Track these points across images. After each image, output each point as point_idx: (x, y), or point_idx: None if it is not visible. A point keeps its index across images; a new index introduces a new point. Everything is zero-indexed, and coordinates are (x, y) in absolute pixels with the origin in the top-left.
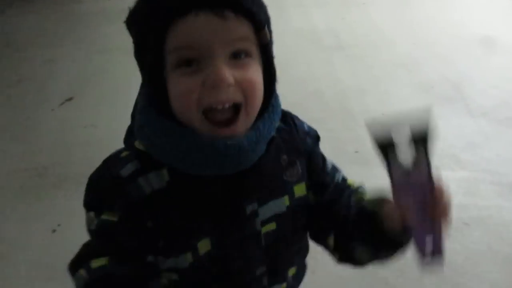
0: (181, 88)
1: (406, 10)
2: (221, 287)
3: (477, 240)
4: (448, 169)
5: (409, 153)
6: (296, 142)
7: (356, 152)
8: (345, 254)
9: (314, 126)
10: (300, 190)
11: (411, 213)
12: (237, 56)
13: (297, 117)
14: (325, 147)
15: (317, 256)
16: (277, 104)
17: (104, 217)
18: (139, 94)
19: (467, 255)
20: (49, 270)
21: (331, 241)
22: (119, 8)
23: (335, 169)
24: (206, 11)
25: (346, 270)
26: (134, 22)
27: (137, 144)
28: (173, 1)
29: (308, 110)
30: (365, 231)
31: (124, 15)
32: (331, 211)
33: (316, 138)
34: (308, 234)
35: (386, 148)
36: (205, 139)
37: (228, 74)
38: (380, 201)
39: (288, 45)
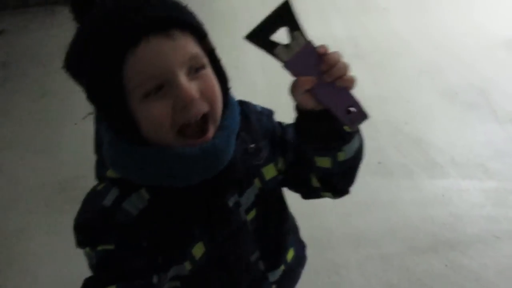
0: (153, 116)
1: (426, 15)
2: (222, 280)
3: (509, 254)
4: (475, 179)
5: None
6: (256, 127)
7: (379, 163)
8: (324, 176)
9: None
10: (270, 172)
11: (315, 85)
12: (194, 71)
13: (250, 103)
14: None
15: (342, 272)
16: (233, 99)
17: (100, 248)
18: (98, 128)
19: (498, 270)
20: (73, 285)
21: (315, 181)
22: None
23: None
24: (155, 35)
25: (373, 287)
26: (81, 64)
27: (110, 173)
28: (122, 31)
29: None
30: (305, 138)
31: None
32: (301, 159)
33: (270, 114)
34: (290, 215)
35: (257, 37)
36: (181, 152)
37: (194, 90)
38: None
39: None
